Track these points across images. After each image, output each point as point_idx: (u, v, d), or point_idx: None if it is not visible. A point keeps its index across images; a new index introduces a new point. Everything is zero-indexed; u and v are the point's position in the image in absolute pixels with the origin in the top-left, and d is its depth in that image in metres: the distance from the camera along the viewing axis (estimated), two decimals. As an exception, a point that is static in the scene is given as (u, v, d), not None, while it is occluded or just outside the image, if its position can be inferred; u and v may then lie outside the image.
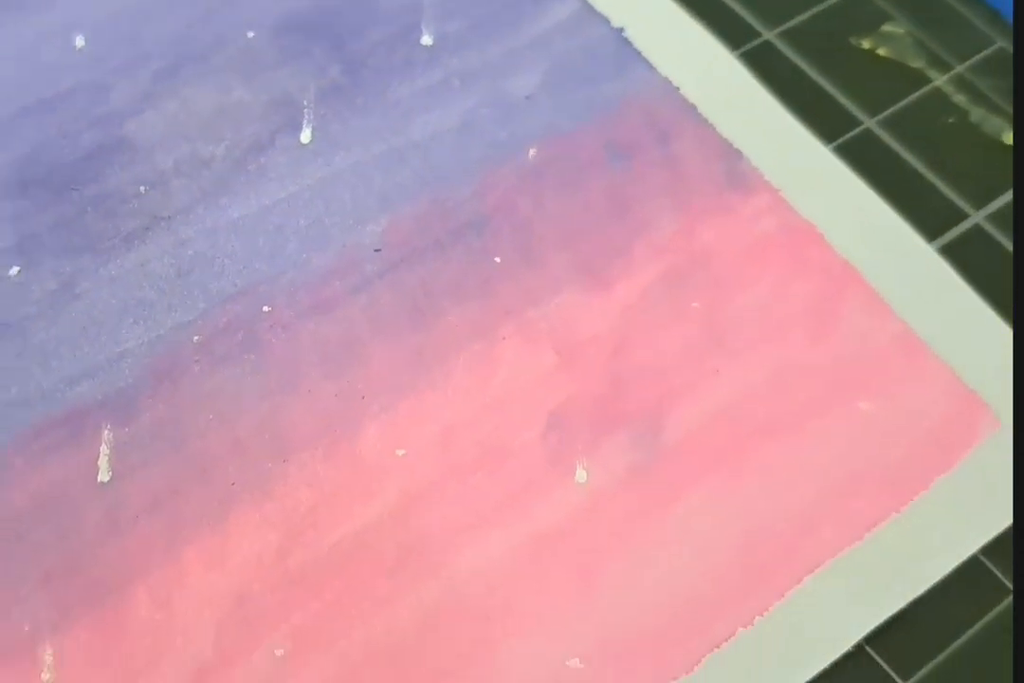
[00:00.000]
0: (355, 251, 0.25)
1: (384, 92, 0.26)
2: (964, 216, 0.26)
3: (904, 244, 0.26)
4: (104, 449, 0.22)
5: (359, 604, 0.22)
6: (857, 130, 0.27)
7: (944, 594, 0.22)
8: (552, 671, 0.21)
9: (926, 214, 0.26)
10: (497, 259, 0.25)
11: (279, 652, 0.21)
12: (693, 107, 0.27)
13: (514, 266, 0.25)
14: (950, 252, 0.26)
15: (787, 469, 0.23)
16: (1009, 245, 0.26)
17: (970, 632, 0.22)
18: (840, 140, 0.27)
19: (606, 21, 0.28)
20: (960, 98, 0.28)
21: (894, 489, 0.23)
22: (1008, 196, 0.27)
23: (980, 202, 0.27)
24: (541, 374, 0.24)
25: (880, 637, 0.22)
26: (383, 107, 0.26)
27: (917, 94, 0.28)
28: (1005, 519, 0.23)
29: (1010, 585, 0.23)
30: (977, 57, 0.28)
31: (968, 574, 0.23)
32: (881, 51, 0.29)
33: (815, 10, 0.29)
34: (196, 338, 0.23)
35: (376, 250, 0.25)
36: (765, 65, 0.28)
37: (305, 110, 0.26)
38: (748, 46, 0.28)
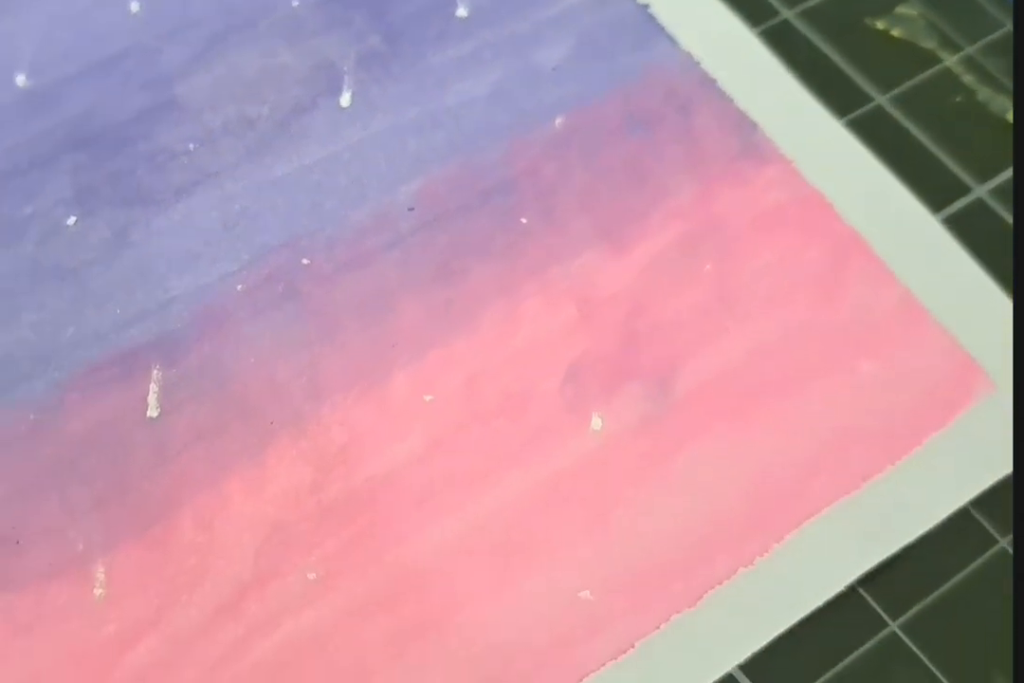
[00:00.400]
0: (390, 209, 0.26)
1: (420, 61, 0.28)
2: (967, 190, 0.28)
3: (909, 215, 0.27)
4: (153, 387, 0.24)
5: (386, 536, 0.23)
6: (869, 106, 0.29)
7: (934, 542, 0.24)
8: (566, 602, 0.23)
9: (931, 187, 0.27)
10: (524, 220, 0.26)
11: (311, 576, 0.23)
12: (713, 81, 0.28)
13: (539, 228, 0.26)
14: (953, 223, 0.27)
15: (790, 423, 0.25)
16: (1009, 218, 0.27)
17: (957, 578, 0.24)
18: (852, 115, 0.28)
19: (631, -3, 0.29)
20: (968, 78, 0.29)
21: (890, 444, 0.25)
22: (1009, 172, 0.28)
23: (983, 177, 0.28)
24: (561, 329, 0.25)
25: (872, 580, 0.23)
26: (418, 75, 0.28)
27: (927, 73, 0.29)
28: (994, 475, 0.25)
29: (997, 536, 0.24)
30: (986, 39, 0.30)
31: (958, 524, 0.24)
32: (894, 32, 0.30)
33: (833, -9, 0.30)
34: (240, 287, 0.25)
35: (410, 209, 0.26)
36: (783, 42, 0.29)
37: (345, 75, 0.27)
38: (767, 24, 0.29)
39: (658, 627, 0.23)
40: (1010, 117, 0.29)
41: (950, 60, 0.30)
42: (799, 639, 0.23)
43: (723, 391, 0.25)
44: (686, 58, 0.28)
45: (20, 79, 0.26)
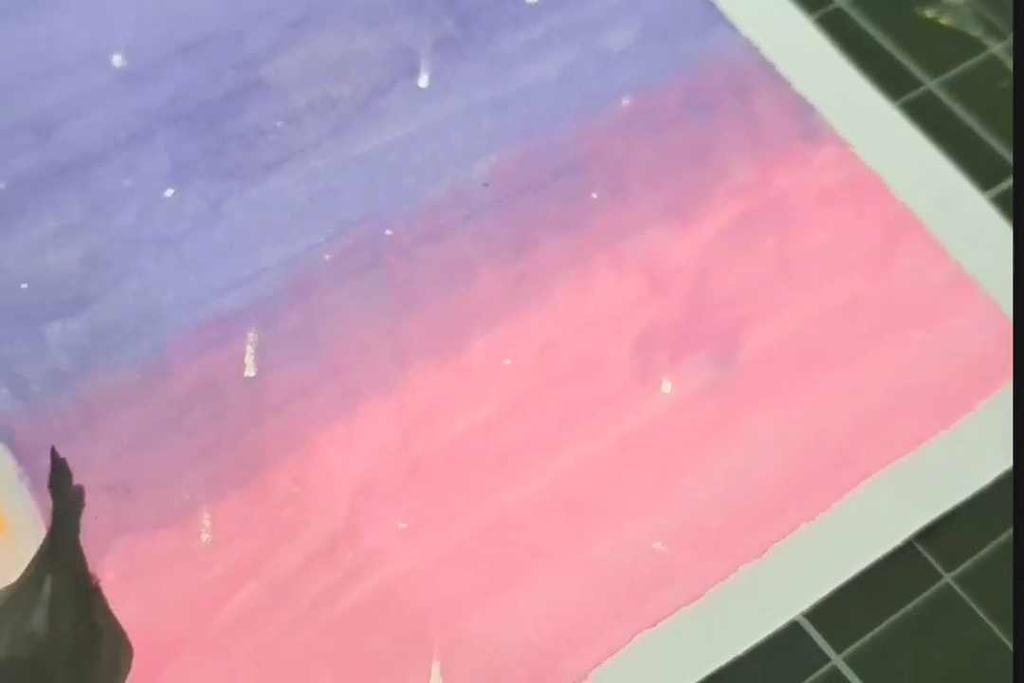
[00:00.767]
0: (465, 185, 0.28)
1: (491, 44, 0.29)
2: (1011, 170, 0.29)
3: (959, 194, 0.28)
4: (249, 349, 0.25)
5: (470, 492, 0.25)
6: (919, 90, 0.30)
7: (984, 500, 0.25)
8: (639, 553, 0.24)
9: (979, 167, 0.29)
10: (593, 196, 0.28)
11: (401, 526, 0.24)
12: (771, 65, 0.29)
13: (608, 204, 0.28)
14: (1000, 202, 0.28)
15: (845, 389, 0.26)
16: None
17: (1006, 533, 0.25)
18: (904, 99, 0.30)
19: (693, -16, 0.31)
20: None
21: (942, 410, 0.26)
22: (1055, 153, 0.29)
23: (1030, 158, 0.29)
24: (631, 300, 0.27)
25: (927, 535, 0.25)
26: (491, 58, 0.29)
27: (974, 60, 0.31)
28: (1041, 439, 0.26)
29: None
30: (1031, 27, 0.31)
31: (1006, 484, 0.26)
32: (943, 20, 0.31)
33: (884, -19, 0.32)
34: (327, 257, 0.26)
35: (484, 185, 0.28)
36: (837, 29, 0.30)
37: (421, 58, 0.29)
38: (822, 11, 0.31)
39: (727, 577, 0.24)
40: (1054, 101, 0.30)
41: (996, 47, 0.31)
42: (859, 589, 0.24)
43: (784, 358, 0.26)
44: (745, 44, 0.30)
45: (117, 60, 0.28)
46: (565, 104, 0.29)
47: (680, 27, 0.30)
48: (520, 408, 0.25)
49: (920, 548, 0.25)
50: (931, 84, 0.30)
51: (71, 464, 0.24)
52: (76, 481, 0.23)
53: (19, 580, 0.22)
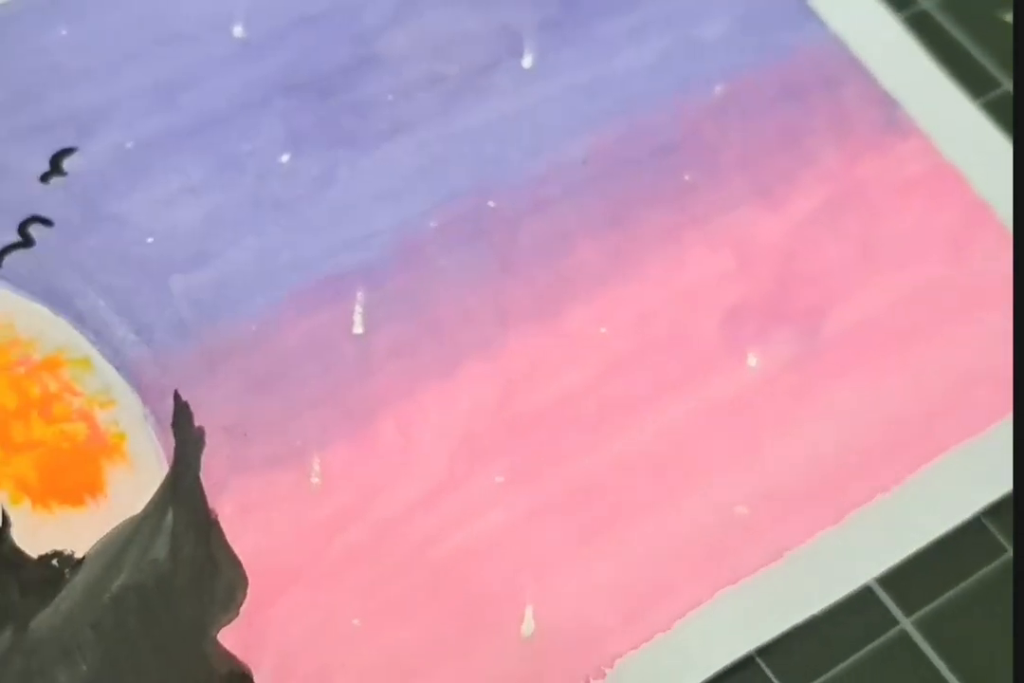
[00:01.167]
0: (565, 161, 0.29)
1: (592, 29, 0.31)
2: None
3: (1035, 189, 0.30)
4: (358, 308, 0.27)
5: (564, 450, 0.26)
6: (998, 91, 0.31)
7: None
8: (722, 516, 0.25)
9: (1056, 165, 0.30)
10: (687, 177, 0.29)
11: (499, 479, 0.25)
12: (858, 60, 0.31)
13: (701, 184, 0.29)
14: (1075, 198, 0.30)
15: (922, 366, 0.27)
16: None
17: (1071, 513, 0.26)
18: (984, 98, 0.31)
19: (784, -19, 0.32)
20: (1091, 68, 0.32)
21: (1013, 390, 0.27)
22: None
23: (1105, 158, 0.31)
24: (721, 275, 0.28)
25: (994, 512, 0.26)
26: (591, 42, 0.30)
27: (1052, 63, 0.32)
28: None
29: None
30: (1108, 34, 0.32)
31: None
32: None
33: (966, -14, 0.33)
34: (433, 224, 0.28)
35: (583, 162, 0.29)
36: (923, 29, 0.32)
37: (526, 40, 0.30)
38: (909, 11, 0.32)
39: (805, 541, 0.25)
40: None
41: (1072, 52, 0.32)
42: (929, 558, 0.25)
43: (865, 335, 0.28)
44: (835, 39, 0.31)
45: (237, 30, 0.29)
46: (661, 89, 0.30)
47: (772, 20, 0.31)
48: (613, 374, 0.27)
49: (986, 522, 0.26)
50: (1008, 85, 0.31)
51: (192, 406, 0.25)
52: (197, 423, 0.25)
53: (144, 511, 0.24)
